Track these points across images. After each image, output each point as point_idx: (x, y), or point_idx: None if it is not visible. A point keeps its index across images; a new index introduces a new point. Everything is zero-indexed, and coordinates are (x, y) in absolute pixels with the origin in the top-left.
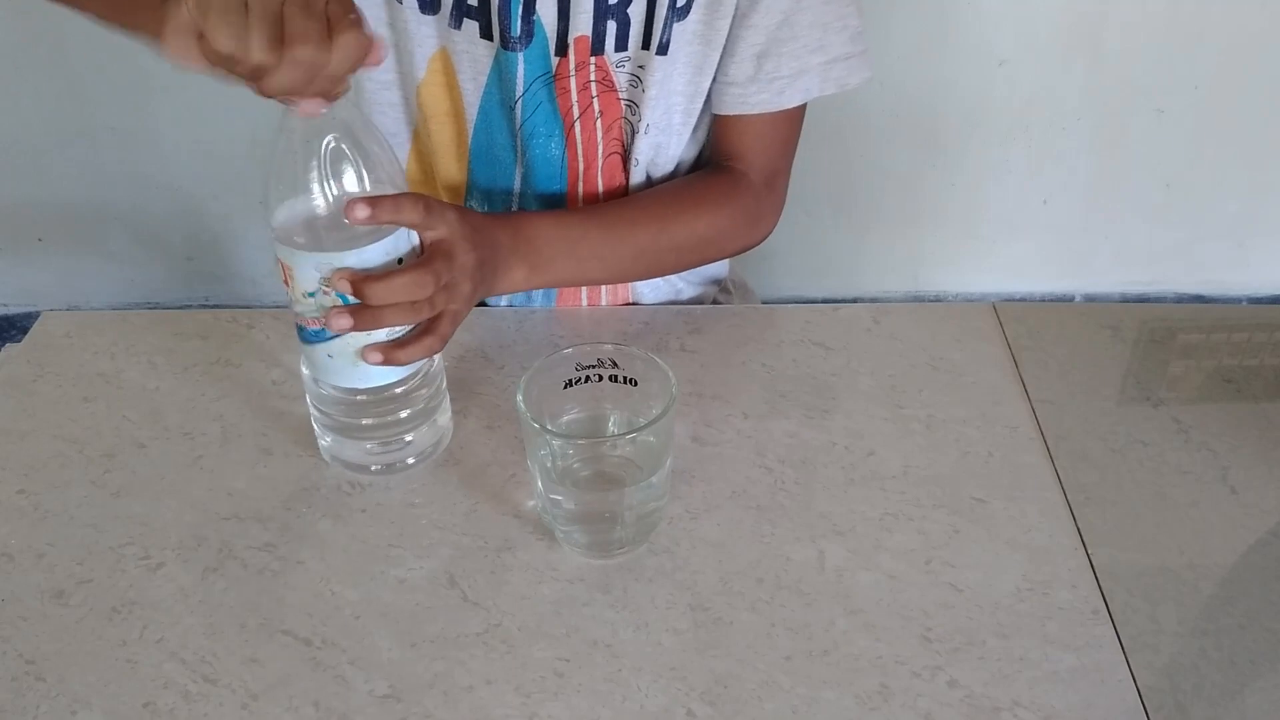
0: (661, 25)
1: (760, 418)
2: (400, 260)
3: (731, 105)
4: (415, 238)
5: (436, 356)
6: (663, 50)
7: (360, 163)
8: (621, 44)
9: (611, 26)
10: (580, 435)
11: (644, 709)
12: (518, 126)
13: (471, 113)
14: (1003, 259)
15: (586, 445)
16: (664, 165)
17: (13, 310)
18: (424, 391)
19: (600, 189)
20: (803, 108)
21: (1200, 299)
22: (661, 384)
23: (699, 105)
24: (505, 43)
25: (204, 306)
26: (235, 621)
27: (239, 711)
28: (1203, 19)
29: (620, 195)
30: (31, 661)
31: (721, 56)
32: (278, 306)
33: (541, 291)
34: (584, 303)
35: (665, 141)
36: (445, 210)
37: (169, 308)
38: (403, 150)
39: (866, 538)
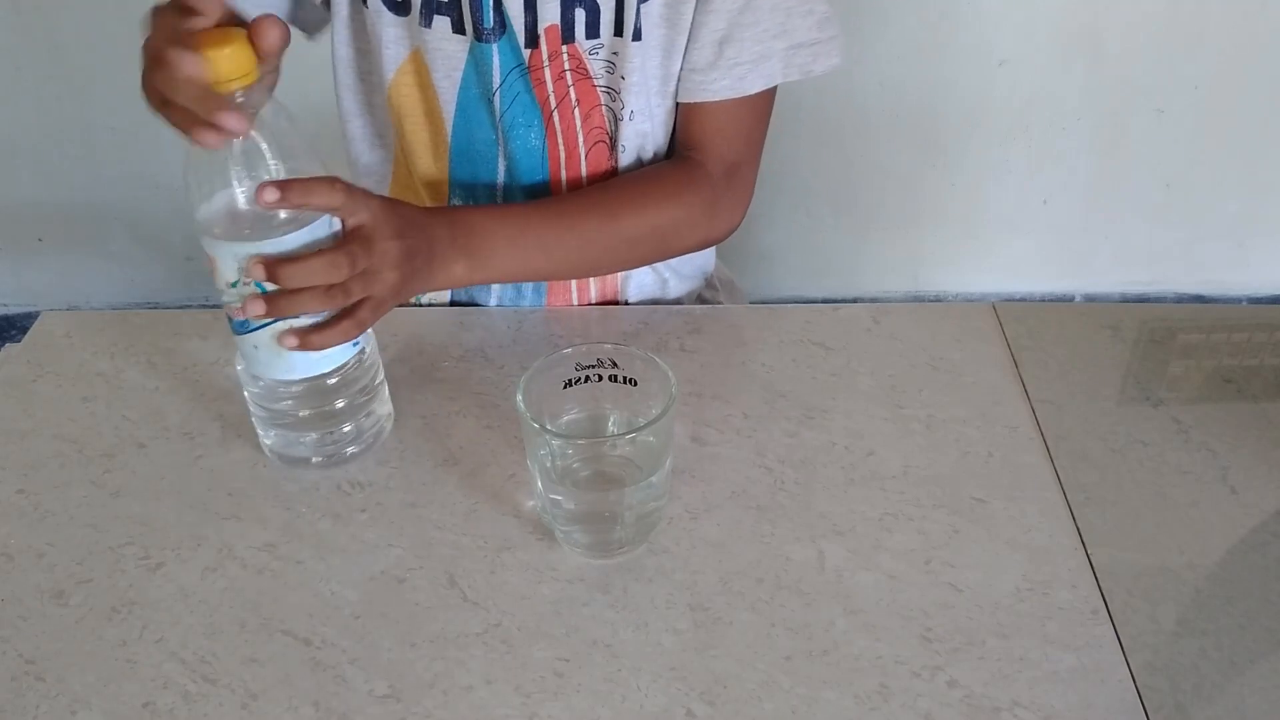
0: (633, 11)
1: (760, 418)
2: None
3: (692, 92)
4: (337, 226)
5: (371, 345)
6: (637, 36)
7: (274, 152)
8: (593, 31)
9: (580, 14)
10: (580, 435)
11: (644, 709)
12: (498, 118)
13: (449, 110)
14: (1003, 259)
15: (586, 445)
16: (652, 150)
17: (13, 310)
18: (360, 382)
19: (585, 177)
20: (768, 97)
21: (1200, 299)
22: (661, 384)
23: (671, 89)
24: (479, 35)
25: (204, 306)
26: (235, 621)
27: (239, 711)
28: (1203, 19)
29: None
30: (31, 661)
31: (686, 42)
32: None
33: (531, 289)
34: (574, 300)
35: (650, 128)
36: (367, 197)
37: (169, 308)
38: (381, 154)
39: (866, 538)
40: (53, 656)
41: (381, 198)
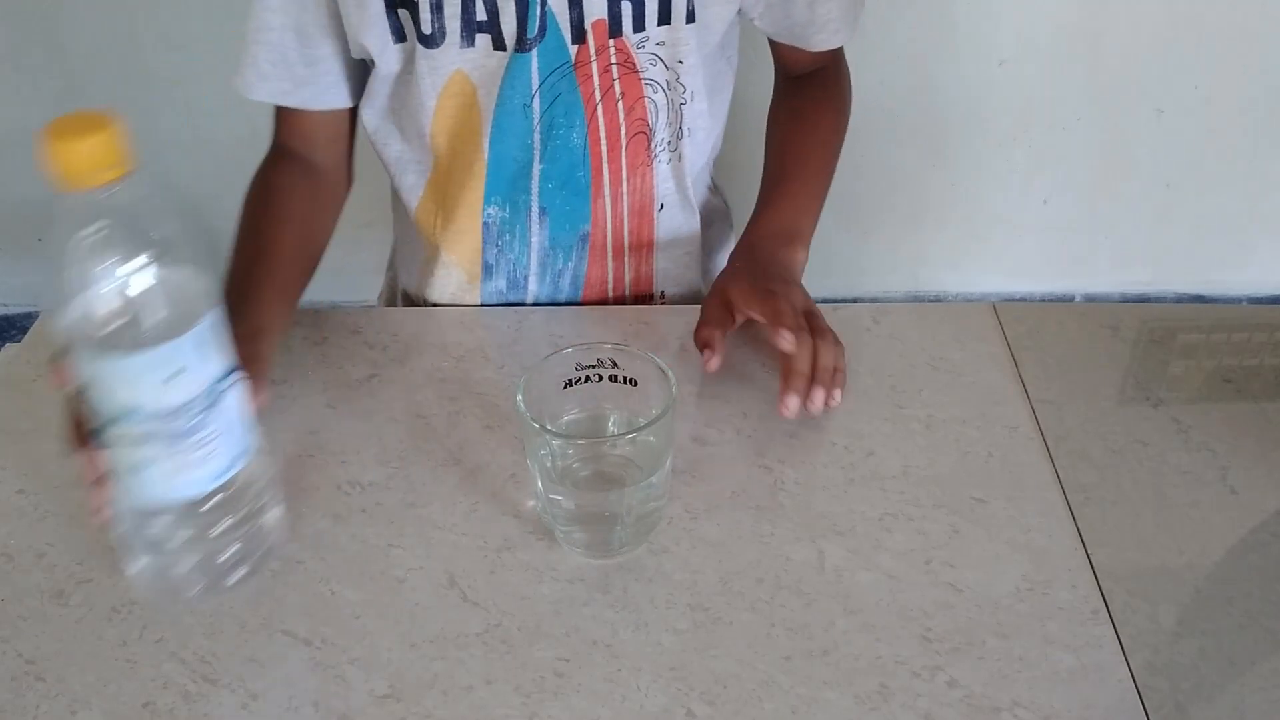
0: None
1: (760, 418)
2: (184, 369)
3: (793, 45)
4: (203, 349)
5: (254, 454)
6: (690, 18)
7: (140, 248)
8: (639, 24)
9: (627, 8)
10: (580, 435)
11: (644, 709)
12: (535, 122)
13: (486, 125)
14: (1003, 259)
15: (586, 445)
16: (702, 127)
17: (13, 310)
18: (248, 492)
19: (625, 170)
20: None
21: (1200, 299)
22: (661, 384)
23: (717, 67)
24: (521, 45)
25: None
26: (235, 621)
27: (239, 711)
28: (1203, 19)
29: (644, 174)
30: (31, 661)
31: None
32: None
33: (569, 284)
34: (609, 293)
35: (706, 106)
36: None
37: None
38: (415, 178)
39: (866, 538)
40: (53, 656)
41: (730, 309)
